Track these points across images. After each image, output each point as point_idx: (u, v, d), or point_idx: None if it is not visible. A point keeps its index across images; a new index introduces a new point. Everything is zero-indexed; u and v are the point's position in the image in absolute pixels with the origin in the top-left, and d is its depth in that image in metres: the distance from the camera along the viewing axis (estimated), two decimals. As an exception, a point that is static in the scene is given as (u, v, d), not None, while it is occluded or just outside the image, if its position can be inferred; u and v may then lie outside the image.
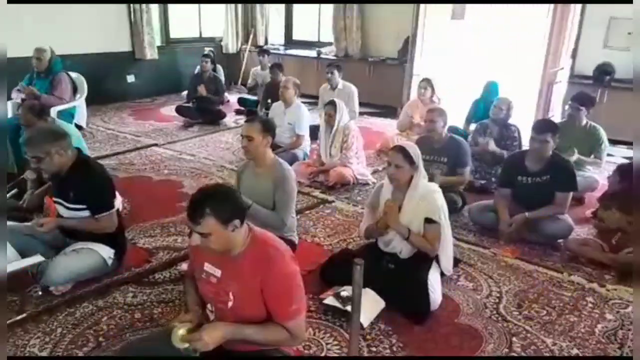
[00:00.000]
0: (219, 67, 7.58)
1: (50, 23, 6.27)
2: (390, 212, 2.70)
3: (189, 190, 4.09)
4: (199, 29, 8.82)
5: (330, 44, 8.34)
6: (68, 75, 5.10)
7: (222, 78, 7.38)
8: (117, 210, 2.87)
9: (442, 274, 2.87)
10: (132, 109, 7.11)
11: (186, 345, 1.71)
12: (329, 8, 8.10)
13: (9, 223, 2.89)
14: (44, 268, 2.59)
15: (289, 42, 9.21)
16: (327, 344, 2.38)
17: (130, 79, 7.73)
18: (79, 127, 5.29)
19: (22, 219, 3.07)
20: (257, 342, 1.82)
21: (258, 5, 9.02)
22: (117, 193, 2.91)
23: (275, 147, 4.94)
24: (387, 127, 6.52)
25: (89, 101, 5.96)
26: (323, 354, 2.31)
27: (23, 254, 2.66)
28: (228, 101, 7.44)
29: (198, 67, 6.86)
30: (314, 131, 5.03)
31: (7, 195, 3.13)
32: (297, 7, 9.01)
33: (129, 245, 3.08)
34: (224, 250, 1.82)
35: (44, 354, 2.23)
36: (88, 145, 5.07)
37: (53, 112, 4.54)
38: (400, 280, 2.69)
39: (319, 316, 2.57)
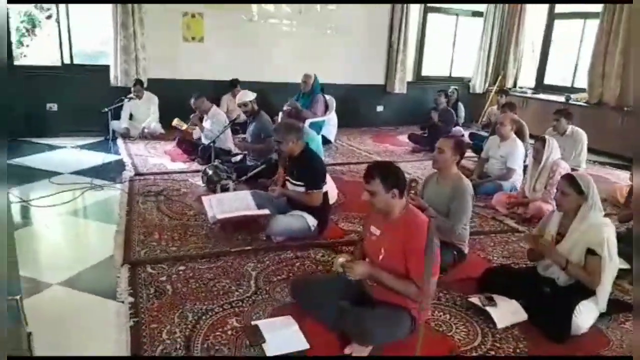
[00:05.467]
0: (460, 104, 8.17)
1: (322, 55, 7.87)
2: (544, 247, 2.85)
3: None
4: (449, 69, 9.58)
5: (584, 90, 8.01)
6: (324, 96, 6.50)
7: (461, 114, 7.98)
8: (325, 192, 3.76)
9: (608, 314, 2.81)
10: (375, 134, 8.25)
11: (341, 270, 2.43)
12: (587, 53, 7.82)
13: (257, 190, 4.09)
14: (270, 221, 3.64)
15: (540, 86, 9.14)
16: (457, 329, 2.70)
17: (379, 108, 8.97)
18: (327, 141, 6.62)
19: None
20: (391, 286, 2.38)
21: (512, 49, 9.25)
22: (330, 180, 3.80)
23: (484, 175, 5.29)
24: (627, 180, 5.98)
25: (341, 123, 7.31)
26: (450, 334, 2.64)
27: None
28: (462, 135, 7.87)
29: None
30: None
31: (257, 170, 4.42)
32: (554, 51, 8.91)
33: (332, 224, 3.96)
34: (384, 213, 2.46)
35: (254, 273, 3.19)
36: (329, 154, 6.33)
37: (307, 122, 5.89)
38: (550, 301, 2.78)
39: (461, 310, 2.88)
